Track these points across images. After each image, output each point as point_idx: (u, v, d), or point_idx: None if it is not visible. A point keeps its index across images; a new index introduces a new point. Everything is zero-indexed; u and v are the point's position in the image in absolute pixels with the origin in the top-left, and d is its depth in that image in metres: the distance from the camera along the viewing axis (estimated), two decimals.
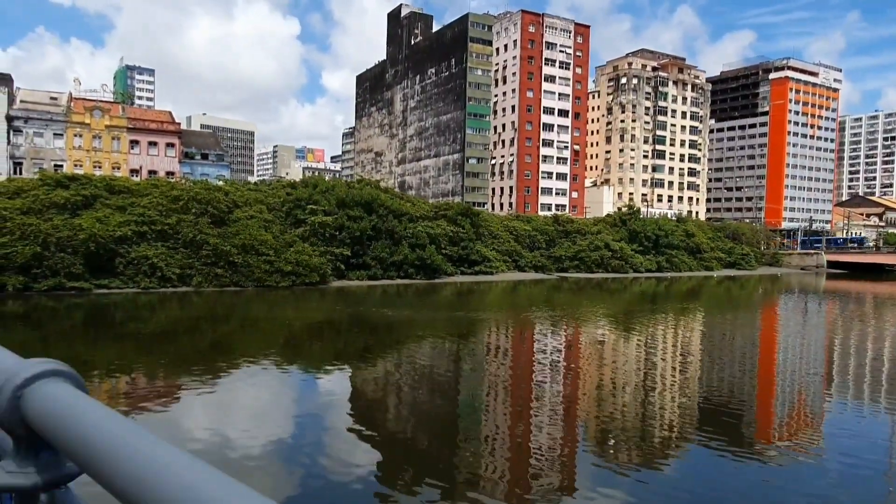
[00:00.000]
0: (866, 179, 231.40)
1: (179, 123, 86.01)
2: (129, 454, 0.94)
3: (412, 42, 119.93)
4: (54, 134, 75.31)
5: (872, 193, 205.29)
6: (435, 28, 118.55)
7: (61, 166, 72.35)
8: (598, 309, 46.32)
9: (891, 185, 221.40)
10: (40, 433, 1.12)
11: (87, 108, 77.74)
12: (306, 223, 55.43)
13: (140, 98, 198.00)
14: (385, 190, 66.63)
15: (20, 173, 69.91)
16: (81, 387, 1.18)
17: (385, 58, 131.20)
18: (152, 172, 76.34)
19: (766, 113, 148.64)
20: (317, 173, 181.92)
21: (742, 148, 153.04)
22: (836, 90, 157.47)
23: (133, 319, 36.13)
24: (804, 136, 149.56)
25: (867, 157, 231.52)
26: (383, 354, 27.11)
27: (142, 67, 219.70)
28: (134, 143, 78.74)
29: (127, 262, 44.56)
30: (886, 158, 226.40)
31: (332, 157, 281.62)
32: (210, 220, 49.96)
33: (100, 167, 74.98)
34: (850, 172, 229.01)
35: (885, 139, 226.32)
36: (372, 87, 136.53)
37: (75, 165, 73.88)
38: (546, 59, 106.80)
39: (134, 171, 76.04)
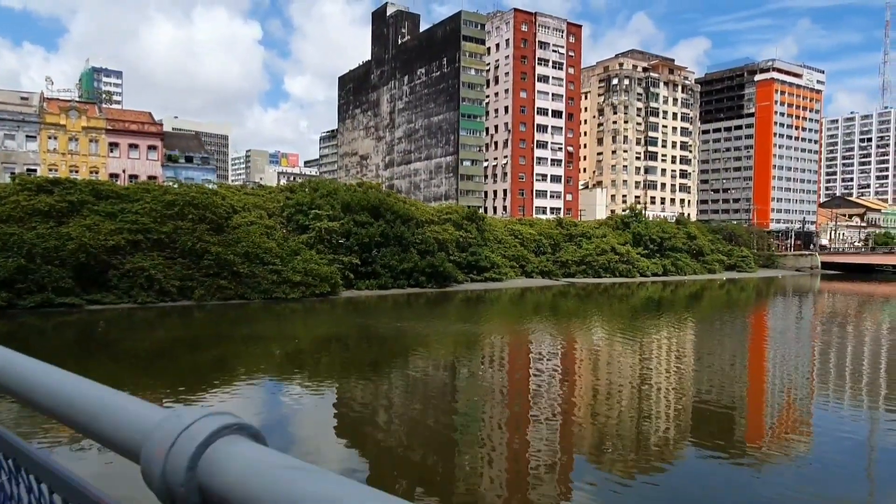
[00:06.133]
0: (844, 181, 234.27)
1: (161, 124, 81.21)
2: None
3: (399, 41, 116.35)
4: (27, 136, 70.04)
5: (850, 195, 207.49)
6: (422, 27, 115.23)
7: (34, 170, 67.23)
8: (609, 318, 44.73)
9: (868, 186, 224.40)
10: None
11: (62, 108, 72.61)
12: (310, 229, 51.65)
13: (107, 101, 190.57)
14: (388, 193, 63.04)
15: None
16: (264, 443, 0.92)
17: (370, 58, 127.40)
18: (133, 177, 71.42)
19: (751, 114, 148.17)
20: (293, 178, 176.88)
21: (728, 150, 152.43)
22: (819, 91, 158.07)
23: (129, 338, 32.33)
24: (789, 137, 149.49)
25: (844, 158, 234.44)
26: (390, 372, 25.38)
27: (108, 69, 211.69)
28: (113, 145, 73.74)
29: (121, 274, 40.28)
30: (863, 160, 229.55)
31: (305, 162, 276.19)
32: (208, 227, 45.85)
33: (77, 171, 69.97)
34: (828, 174, 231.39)
35: (862, 140, 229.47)
36: (356, 88, 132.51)
37: (50, 170, 68.70)
38: (539, 59, 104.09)
39: (114, 176, 71.04)
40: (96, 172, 71.28)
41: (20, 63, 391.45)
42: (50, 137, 71.13)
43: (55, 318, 35.91)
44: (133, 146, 74.90)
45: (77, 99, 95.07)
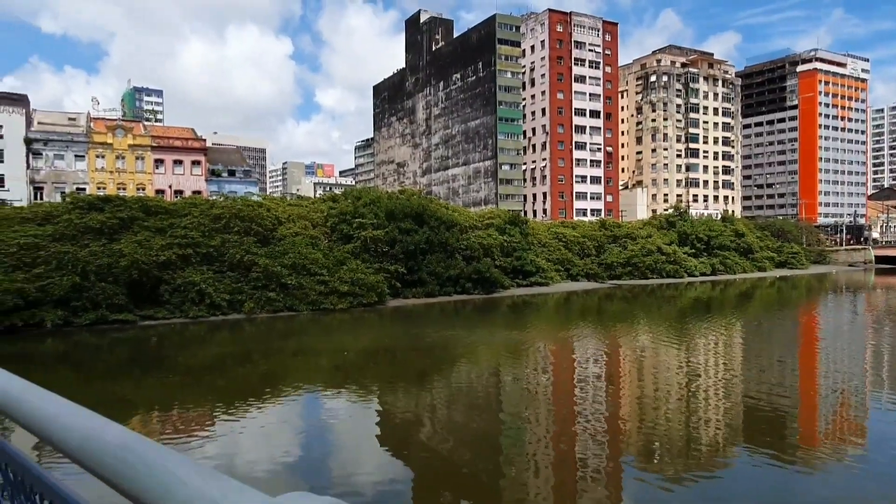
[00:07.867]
0: (892, 171, 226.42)
1: (205, 140, 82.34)
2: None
3: (433, 48, 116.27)
4: (76, 156, 71.69)
5: None
6: (456, 33, 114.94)
7: (84, 189, 68.64)
8: (658, 320, 43.34)
9: None
10: None
11: (108, 127, 74.15)
12: (355, 238, 51.41)
13: (149, 120, 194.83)
14: (431, 200, 62.62)
15: (41, 198, 66.26)
16: None
17: (404, 66, 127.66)
18: (179, 192, 72.56)
19: (794, 107, 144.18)
20: (329, 189, 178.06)
21: (771, 143, 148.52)
22: (864, 80, 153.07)
23: (181, 353, 32.56)
24: (835, 128, 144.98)
25: (892, 147, 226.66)
26: (439, 383, 25.20)
27: (150, 89, 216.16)
28: (158, 162, 75.05)
29: (172, 289, 40.52)
30: None
31: (340, 172, 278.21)
32: (255, 240, 46.02)
33: (124, 188, 71.29)
34: (874, 164, 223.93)
35: None
36: (391, 96, 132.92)
37: (98, 188, 70.18)
38: (575, 59, 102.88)
39: (160, 192, 72.26)
40: (143, 189, 72.55)
41: (62, 86, 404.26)
42: (97, 156, 72.69)
43: (110, 335, 36.21)
44: (178, 162, 76.10)
45: (122, 118, 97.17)
